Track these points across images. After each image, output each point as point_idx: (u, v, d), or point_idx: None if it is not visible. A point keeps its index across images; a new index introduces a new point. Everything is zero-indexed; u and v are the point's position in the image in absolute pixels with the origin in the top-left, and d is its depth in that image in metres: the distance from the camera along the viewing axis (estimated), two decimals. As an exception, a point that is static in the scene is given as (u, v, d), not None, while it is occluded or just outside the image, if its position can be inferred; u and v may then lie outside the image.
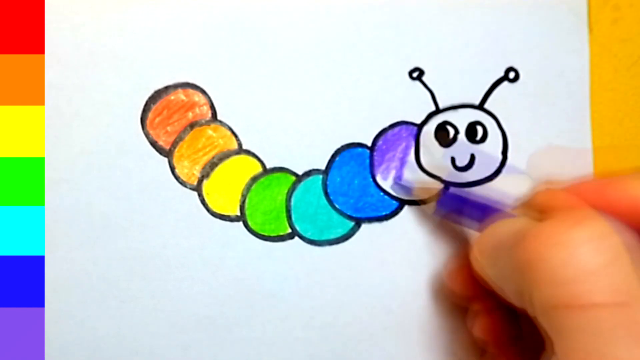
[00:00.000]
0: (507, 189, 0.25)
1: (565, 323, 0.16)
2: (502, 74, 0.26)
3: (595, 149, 0.26)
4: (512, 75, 0.26)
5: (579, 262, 0.16)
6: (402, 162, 0.26)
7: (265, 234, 0.25)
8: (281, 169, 0.25)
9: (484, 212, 0.22)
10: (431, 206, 0.25)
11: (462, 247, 0.25)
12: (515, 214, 0.21)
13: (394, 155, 0.26)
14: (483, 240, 0.21)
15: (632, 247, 0.17)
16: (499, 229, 0.20)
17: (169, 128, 0.25)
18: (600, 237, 0.16)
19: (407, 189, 0.25)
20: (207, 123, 0.25)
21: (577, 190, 0.20)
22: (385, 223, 0.26)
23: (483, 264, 0.21)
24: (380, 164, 0.26)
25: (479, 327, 0.24)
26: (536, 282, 0.17)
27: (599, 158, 0.26)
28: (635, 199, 0.19)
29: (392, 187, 0.25)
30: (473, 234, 0.23)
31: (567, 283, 0.16)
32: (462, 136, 0.25)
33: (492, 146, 0.26)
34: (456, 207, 0.24)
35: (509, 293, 0.19)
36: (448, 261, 0.25)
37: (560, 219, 0.17)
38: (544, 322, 0.17)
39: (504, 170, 0.26)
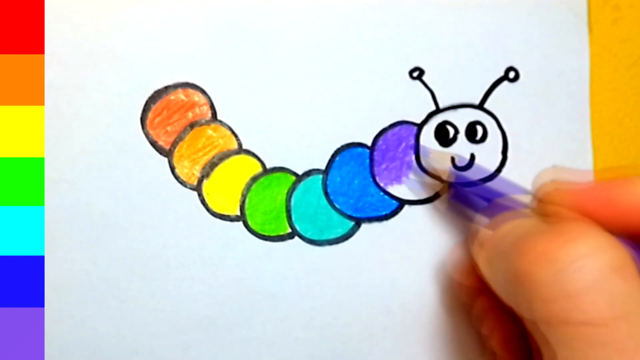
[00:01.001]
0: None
1: (564, 337, 0.17)
2: (502, 73, 0.26)
3: (595, 148, 0.26)
4: (512, 75, 0.26)
5: (571, 280, 0.17)
6: (403, 162, 0.26)
7: (265, 233, 0.25)
8: (281, 169, 0.25)
9: (494, 208, 0.22)
10: (444, 201, 0.25)
11: (466, 239, 0.25)
12: (523, 211, 0.21)
13: (394, 155, 0.26)
14: (488, 241, 0.21)
15: (625, 262, 0.17)
16: (503, 232, 0.20)
17: (169, 128, 0.25)
18: (594, 254, 0.17)
19: (419, 183, 0.25)
20: (207, 123, 0.25)
21: (583, 191, 0.20)
22: (385, 223, 0.26)
23: (485, 264, 0.21)
24: (380, 164, 0.26)
25: (487, 326, 0.23)
26: (533, 297, 0.17)
27: (599, 158, 0.26)
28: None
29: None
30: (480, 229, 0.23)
31: (560, 300, 0.17)
32: (462, 136, 0.25)
33: (492, 146, 0.26)
34: (468, 203, 0.24)
35: (506, 297, 0.20)
36: (453, 250, 0.25)
37: (557, 233, 0.18)
38: (545, 333, 0.17)
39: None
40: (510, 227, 0.20)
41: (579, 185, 0.20)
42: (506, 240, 0.19)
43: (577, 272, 0.17)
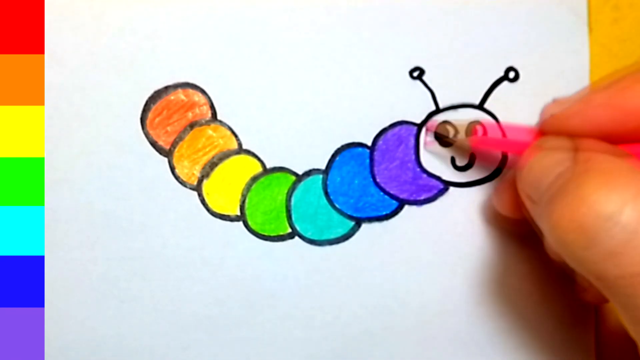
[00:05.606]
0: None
1: (619, 289, 0.17)
2: (502, 73, 0.26)
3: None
4: (512, 75, 0.26)
5: (608, 240, 0.16)
6: (403, 162, 0.26)
7: (265, 233, 0.25)
8: (281, 169, 0.25)
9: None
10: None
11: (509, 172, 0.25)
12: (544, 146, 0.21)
13: (394, 155, 0.26)
14: (521, 179, 0.20)
15: None
16: (534, 171, 0.20)
17: (169, 128, 0.25)
18: (621, 211, 0.16)
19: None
20: (207, 123, 0.25)
21: (582, 108, 0.19)
22: (385, 223, 0.26)
23: (525, 204, 0.20)
24: (380, 164, 0.26)
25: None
26: (575, 261, 0.17)
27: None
28: None
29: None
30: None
31: (605, 260, 0.16)
32: (462, 136, 0.25)
33: (492, 146, 0.26)
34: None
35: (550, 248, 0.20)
36: (497, 185, 0.25)
37: (579, 195, 0.17)
38: (600, 288, 0.17)
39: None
40: (541, 163, 0.20)
41: (576, 104, 0.20)
42: (539, 179, 0.19)
43: (612, 231, 0.16)
